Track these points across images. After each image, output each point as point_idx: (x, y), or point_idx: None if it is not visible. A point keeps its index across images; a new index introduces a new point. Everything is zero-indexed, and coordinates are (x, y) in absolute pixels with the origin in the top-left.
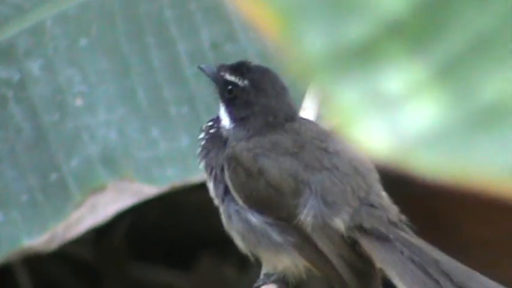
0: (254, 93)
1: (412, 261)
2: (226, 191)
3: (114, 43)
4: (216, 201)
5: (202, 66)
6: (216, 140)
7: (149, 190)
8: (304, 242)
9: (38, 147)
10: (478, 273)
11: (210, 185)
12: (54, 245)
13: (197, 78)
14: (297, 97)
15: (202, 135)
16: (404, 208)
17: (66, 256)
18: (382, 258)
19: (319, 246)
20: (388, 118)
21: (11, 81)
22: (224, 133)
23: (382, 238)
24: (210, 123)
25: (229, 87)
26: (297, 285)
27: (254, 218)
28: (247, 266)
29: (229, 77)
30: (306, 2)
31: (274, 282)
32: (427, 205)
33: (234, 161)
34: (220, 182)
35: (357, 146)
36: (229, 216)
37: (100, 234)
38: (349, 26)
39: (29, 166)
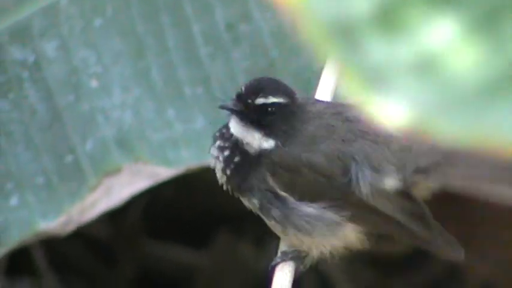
0: (293, 104)
1: None
2: (276, 196)
3: (129, 23)
4: (265, 218)
5: (221, 105)
6: (245, 165)
7: (164, 172)
8: (363, 212)
9: (52, 129)
10: None
11: (255, 202)
12: (69, 228)
13: (212, 58)
14: (316, 69)
15: (219, 156)
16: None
17: (82, 235)
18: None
19: (380, 209)
20: (406, 86)
21: (26, 62)
22: (255, 153)
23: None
24: (226, 147)
25: (270, 108)
26: (313, 264)
27: (309, 208)
28: (264, 243)
29: (270, 99)
30: None
31: (292, 259)
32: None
33: (273, 166)
34: (266, 191)
35: (376, 115)
36: (287, 217)
37: (115, 213)
38: None
39: (44, 148)
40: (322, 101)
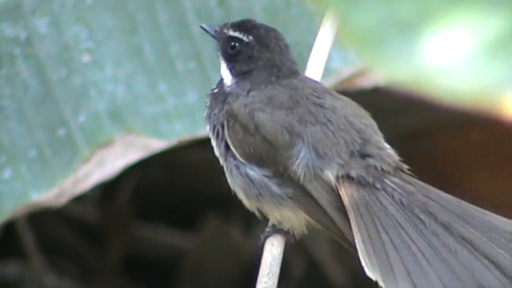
0: (258, 48)
1: (401, 203)
2: (227, 148)
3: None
4: (220, 160)
5: (203, 25)
6: (218, 98)
7: (157, 144)
8: (300, 193)
9: (45, 104)
10: (481, 210)
11: (214, 144)
12: (62, 200)
13: (204, 34)
14: (315, 23)
15: (208, 95)
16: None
17: (70, 216)
18: (352, 203)
19: (313, 195)
20: (406, 43)
21: (18, 38)
22: (226, 90)
23: (363, 184)
24: (215, 86)
25: (233, 43)
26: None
27: (253, 172)
28: (252, 226)
29: (233, 33)
30: None
31: (278, 232)
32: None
33: (232, 118)
34: (222, 140)
35: (375, 71)
36: (230, 172)
37: (105, 194)
38: None
39: (37, 122)
40: (311, 80)
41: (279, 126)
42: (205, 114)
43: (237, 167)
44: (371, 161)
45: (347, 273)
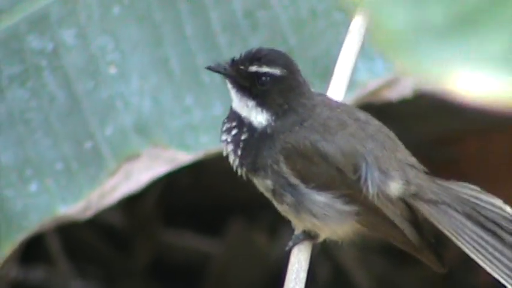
0: (292, 78)
1: (469, 216)
2: (289, 183)
3: (147, 11)
4: (276, 201)
5: (209, 66)
6: (257, 142)
7: (183, 157)
8: (367, 210)
9: (72, 116)
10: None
11: (269, 183)
12: (89, 213)
13: (230, 45)
14: (341, 35)
15: (227, 139)
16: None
17: (97, 223)
18: (444, 225)
19: (384, 211)
20: (434, 46)
21: (45, 50)
22: (268, 130)
23: (433, 203)
24: (233, 127)
25: (264, 78)
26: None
27: (320, 196)
28: (278, 231)
29: (260, 68)
30: None
31: (304, 240)
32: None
33: (290, 152)
34: (279, 176)
35: (403, 71)
36: (300, 203)
37: (131, 201)
38: None
39: (63, 135)
40: (330, 98)
41: (347, 153)
42: (237, 162)
43: (304, 196)
44: (418, 173)
45: (372, 279)
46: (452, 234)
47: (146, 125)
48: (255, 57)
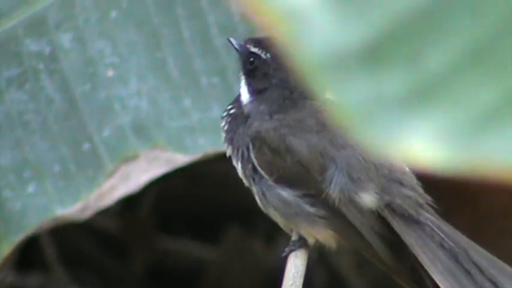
0: (274, 66)
1: (443, 247)
2: (255, 169)
3: (145, 15)
4: (246, 182)
5: (230, 38)
6: (237, 119)
7: (182, 158)
8: (334, 215)
9: (69, 118)
10: (506, 265)
11: (238, 166)
12: (86, 214)
13: (228, 49)
14: None
15: (224, 115)
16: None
17: (93, 229)
18: (412, 242)
19: (349, 218)
20: (394, 119)
21: (42, 53)
22: (245, 110)
23: (411, 220)
24: (231, 105)
25: (252, 58)
26: (320, 251)
27: (285, 192)
28: (275, 238)
29: (253, 48)
30: (310, 4)
31: (301, 247)
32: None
33: (259, 141)
34: (248, 162)
35: (366, 146)
36: (263, 194)
37: (127, 207)
38: (352, 28)
39: (61, 137)
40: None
41: (313, 150)
42: (224, 137)
43: (270, 188)
44: (405, 190)
45: (369, 285)
46: (413, 247)
47: (144, 126)
48: (259, 40)
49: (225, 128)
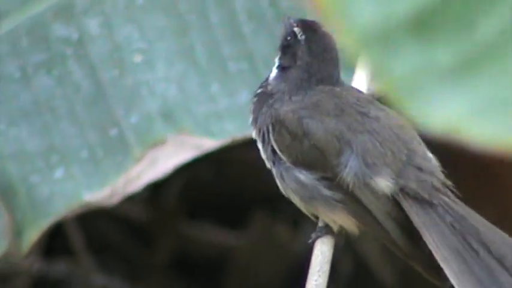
0: (303, 49)
1: (454, 228)
2: (274, 152)
3: (172, 0)
4: (267, 163)
5: (286, 16)
6: (263, 99)
7: (209, 143)
8: (350, 199)
9: (97, 104)
10: None
11: (260, 147)
12: (114, 200)
13: (255, 35)
14: (348, 70)
15: (253, 98)
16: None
17: (119, 216)
18: (420, 224)
19: (364, 202)
20: (440, 90)
21: (70, 39)
22: (269, 87)
23: (424, 202)
24: (259, 86)
25: (289, 36)
26: (346, 237)
27: (302, 175)
28: (300, 224)
29: (294, 27)
30: None
31: (327, 233)
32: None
33: (279, 124)
34: (268, 144)
35: (408, 118)
36: (281, 176)
37: (153, 193)
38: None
39: (89, 122)
40: (355, 89)
41: (330, 134)
42: (250, 119)
43: (287, 171)
44: (421, 175)
45: (395, 272)
46: (421, 228)
47: (171, 112)
48: (303, 21)
49: (251, 108)
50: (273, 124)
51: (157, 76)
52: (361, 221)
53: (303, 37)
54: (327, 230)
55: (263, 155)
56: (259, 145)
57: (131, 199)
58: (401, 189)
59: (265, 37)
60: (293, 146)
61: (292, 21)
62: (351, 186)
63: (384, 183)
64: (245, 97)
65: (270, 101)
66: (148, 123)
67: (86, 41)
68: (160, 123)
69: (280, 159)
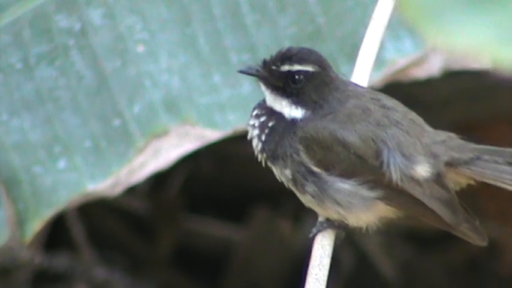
0: (324, 73)
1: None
2: (309, 170)
3: None
4: (298, 190)
5: (241, 69)
6: (282, 130)
7: (211, 134)
8: (395, 194)
9: (100, 94)
10: None
11: (288, 172)
12: (117, 190)
13: (258, 26)
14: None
15: (254, 123)
16: None
17: (120, 209)
18: (491, 174)
19: (412, 193)
20: (464, 13)
21: (73, 30)
22: (300, 125)
23: (472, 160)
24: (262, 114)
25: (297, 77)
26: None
27: (344, 184)
28: (301, 219)
29: (292, 67)
30: None
31: (328, 228)
32: None
33: (309, 141)
34: (300, 165)
35: (431, 41)
36: (323, 191)
37: (154, 187)
38: None
39: (92, 113)
40: (360, 86)
41: (366, 139)
42: (259, 145)
43: (327, 184)
44: (448, 145)
45: (396, 265)
46: (496, 180)
47: (174, 102)
48: (286, 56)
49: (263, 139)
50: (302, 144)
51: (160, 67)
52: (405, 209)
53: (316, 67)
54: (328, 224)
55: (285, 179)
56: (286, 170)
57: (133, 192)
58: (447, 164)
59: (268, 28)
60: (329, 160)
61: (267, 65)
62: (399, 182)
63: (423, 169)
64: (247, 88)
65: (293, 130)
66: (151, 114)
67: (88, 31)
68: (163, 113)
69: (318, 175)
